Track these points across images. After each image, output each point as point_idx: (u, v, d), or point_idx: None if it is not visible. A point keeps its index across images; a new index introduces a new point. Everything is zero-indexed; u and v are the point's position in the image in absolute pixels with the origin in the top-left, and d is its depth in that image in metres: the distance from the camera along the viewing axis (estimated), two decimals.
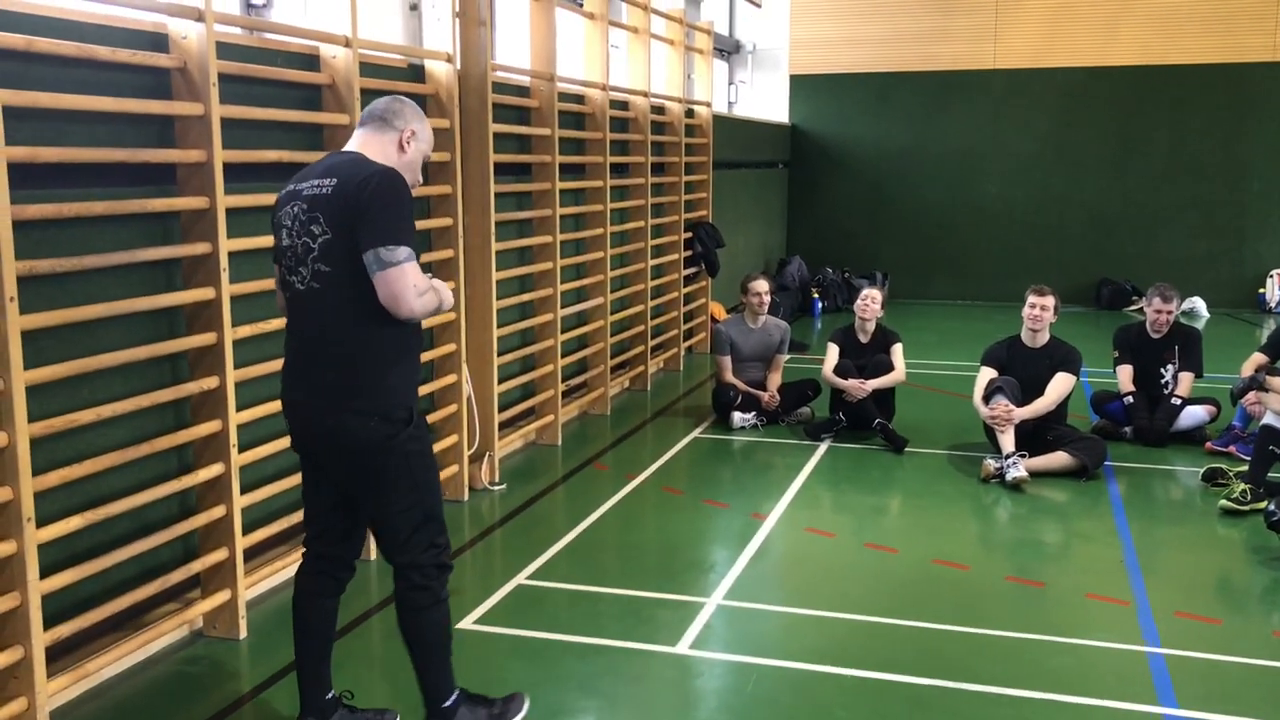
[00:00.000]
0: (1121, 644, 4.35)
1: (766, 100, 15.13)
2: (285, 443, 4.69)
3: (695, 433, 7.65)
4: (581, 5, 8.07)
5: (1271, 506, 5.22)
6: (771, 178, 14.24)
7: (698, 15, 12.89)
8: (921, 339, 10.93)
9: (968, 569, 5.15)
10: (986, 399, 6.78)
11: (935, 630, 4.47)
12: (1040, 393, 6.75)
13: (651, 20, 8.85)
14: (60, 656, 3.77)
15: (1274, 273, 13.31)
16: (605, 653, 4.25)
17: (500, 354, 6.55)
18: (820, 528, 5.77)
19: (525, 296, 7.01)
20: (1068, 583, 5.03)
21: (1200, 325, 11.95)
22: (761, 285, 7.92)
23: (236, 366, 4.32)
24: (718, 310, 11.08)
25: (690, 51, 10.38)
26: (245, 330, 4.40)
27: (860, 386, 7.29)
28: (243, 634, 4.37)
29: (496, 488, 6.35)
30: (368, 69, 5.19)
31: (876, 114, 14.53)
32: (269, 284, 4.59)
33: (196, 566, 4.25)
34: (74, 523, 3.65)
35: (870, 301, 7.58)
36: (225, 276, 4.19)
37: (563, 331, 7.46)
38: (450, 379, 5.97)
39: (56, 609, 3.67)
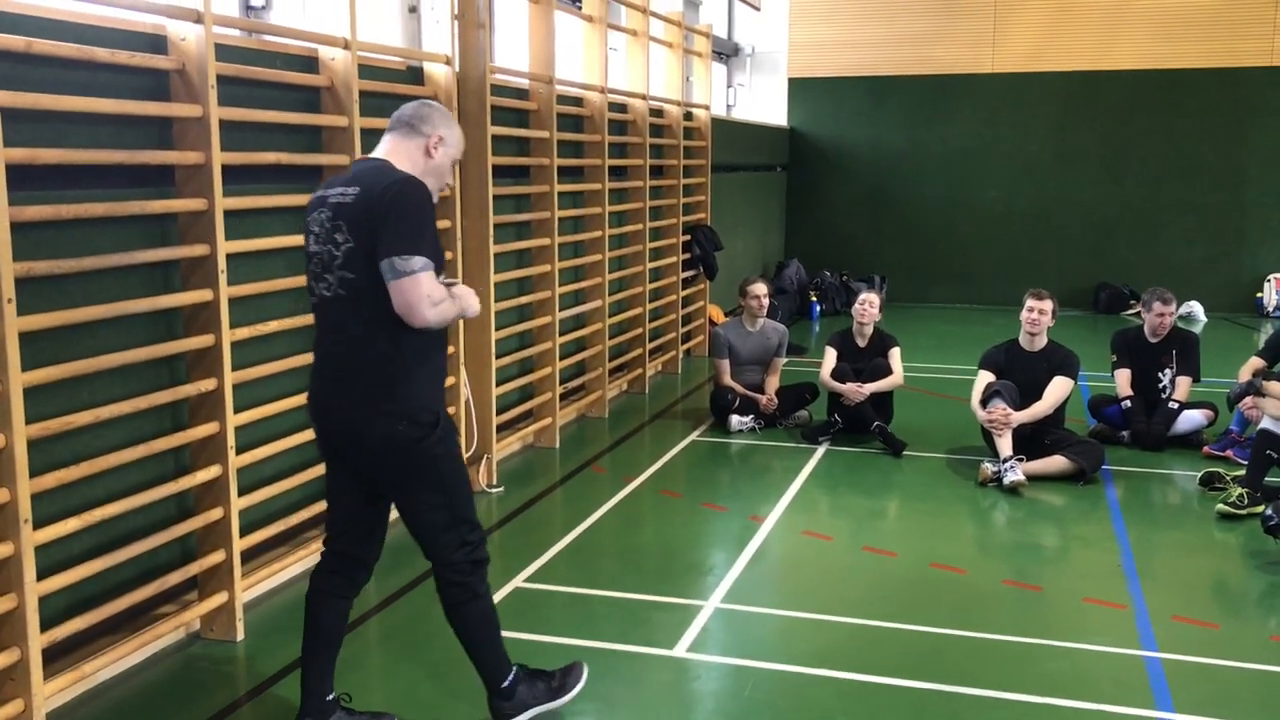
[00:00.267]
0: (1119, 648, 4.35)
1: (765, 103, 15.15)
2: (282, 445, 4.71)
3: (693, 435, 7.65)
4: (580, 8, 8.08)
5: (1268, 511, 5.22)
6: (770, 181, 14.25)
7: (696, 18, 12.90)
8: (919, 342, 10.93)
9: (965, 573, 5.15)
10: (984, 403, 6.78)
11: (933, 634, 4.47)
12: (1038, 396, 6.76)
13: (650, 23, 8.86)
14: (57, 658, 3.77)
15: (1271, 277, 13.32)
16: (602, 655, 4.24)
17: (498, 356, 6.55)
18: (818, 531, 5.77)
19: (523, 299, 7.01)
20: (1065, 587, 5.04)
21: (1198, 329, 11.96)
22: (760, 288, 7.92)
23: (234, 368, 4.32)
24: (716, 313, 11.08)
25: (689, 54, 10.39)
26: (243, 332, 4.40)
27: (858, 390, 7.29)
28: (240, 636, 4.37)
29: (494, 490, 6.35)
30: (366, 71, 5.19)
31: (875, 117, 14.54)
32: (267, 286, 4.60)
33: (194, 568, 4.25)
34: (71, 524, 3.65)
35: (868, 305, 7.58)
36: (223, 278, 4.18)
37: (561, 334, 7.47)
38: (448, 381, 5.96)
39: (53, 611, 3.67)
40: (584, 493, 6.39)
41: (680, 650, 4.30)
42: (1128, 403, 7.36)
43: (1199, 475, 6.49)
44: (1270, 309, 13.23)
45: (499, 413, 6.60)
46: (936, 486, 6.53)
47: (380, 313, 3.17)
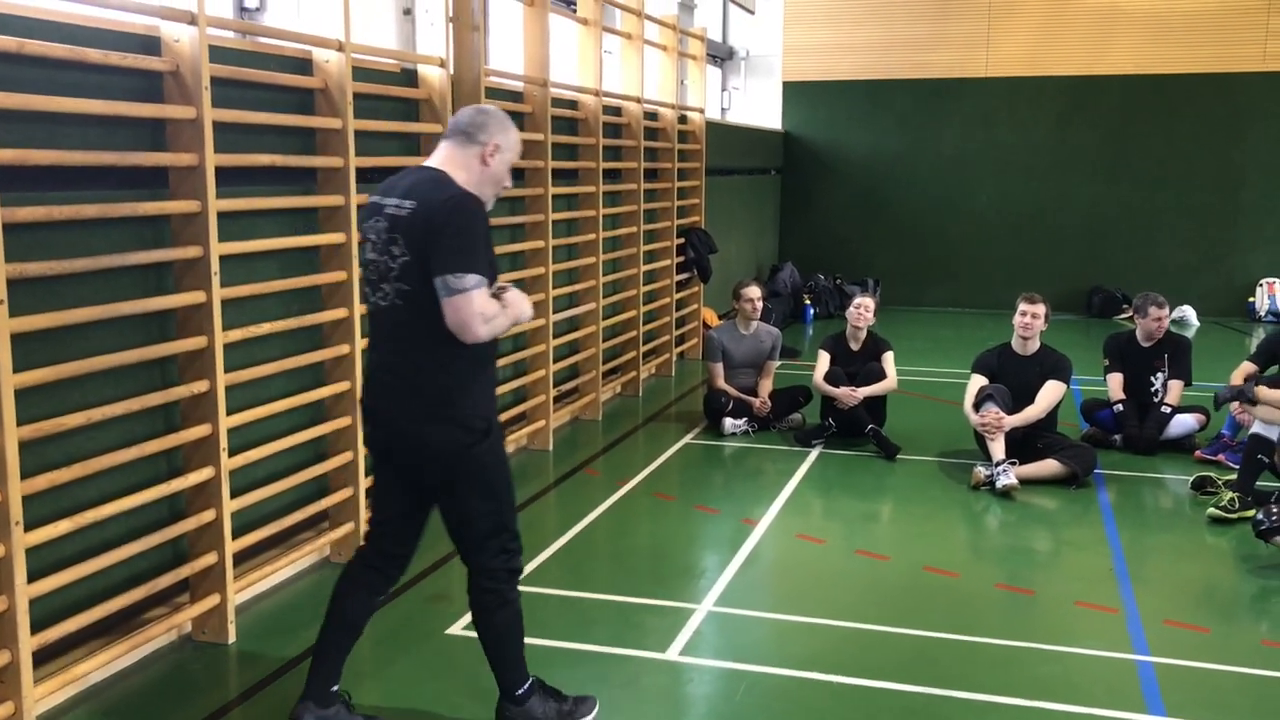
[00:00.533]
0: (1110, 652, 4.36)
1: (759, 107, 15.17)
2: (275, 447, 4.71)
3: (687, 438, 7.65)
4: (575, 11, 8.08)
5: (1259, 515, 5.24)
6: (764, 184, 14.26)
7: (691, 21, 12.92)
8: (913, 346, 10.94)
9: (958, 576, 5.16)
10: (977, 406, 6.79)
11: (925, 637, 4.48)
12: (1031, 400, 6.77)
13: (645, 26, 8.87)
14: (48, 660, 3.76)
15: (1263, 282, 13.37)
16: (595, 659, 4.25)
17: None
18: (811, 534, 5.78)
19: None
20: (1057, 590, 5.05)
21: (1190, 334, 11.99)
22: (754, 291, 7.93)
23: (227, 370, 4.31)
24: (710, 316, 11.08)
25: (684, 58, 10.40)
26: (236, 334, 4.40)
27: (851, 395, 7.30)
28: (232, 639, 4.36)
29: None
30: (360, 73, 5.18)
31: (869, 121, 14.56)
32: (260, 288, 4.60)
33: (186, 571, 4.24)
34: (63, 526, 3.64)
35: (864, 310, 7.59)
36: (216, 280, 4.18)
37: (555, 336, 7.46)
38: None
39: (44, 613, 3.65)
40: (577, 495, 6.39)
41: (673, 653, 4.30)
42: (1120, 407, 7.37)
43: (1191, 479, 6.50)
44: (1262, 314, 13.27)
45: None
46: (929, 490, 6.54)
47: (435, 325, 3.24)
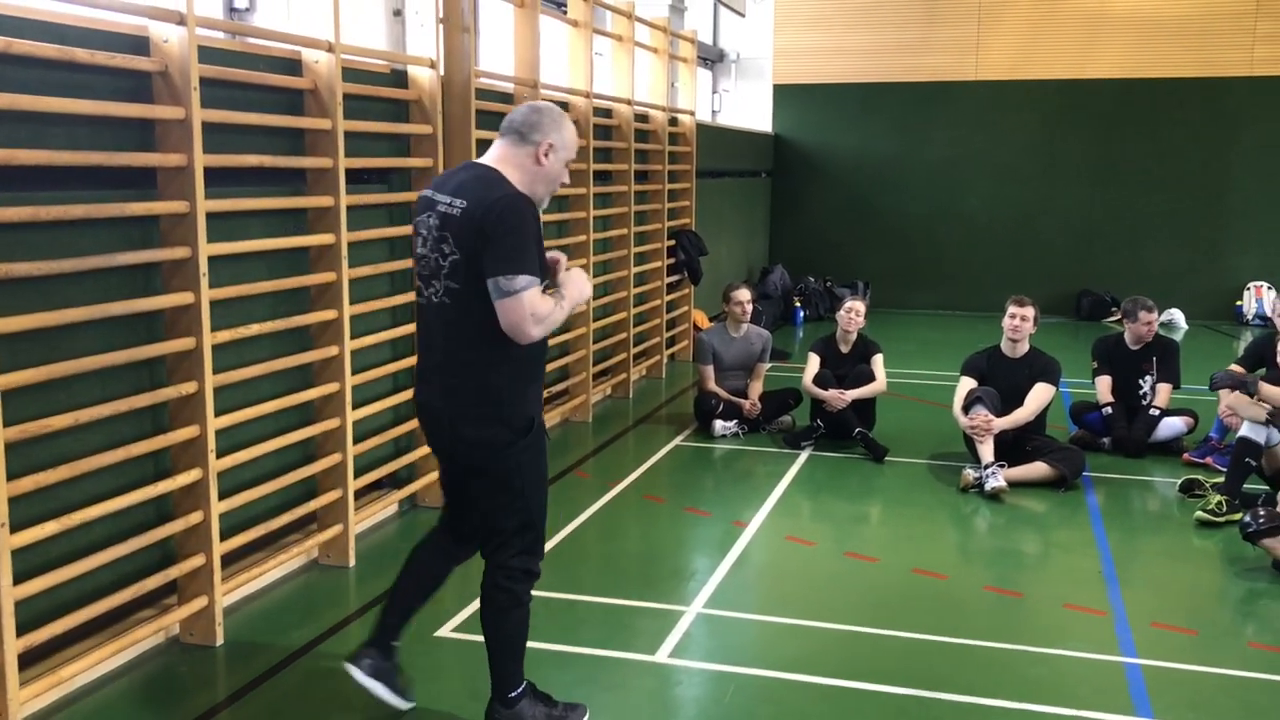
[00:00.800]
0: (1098, 654, 4.37)
1: (750, 109, 15.18)
2: (263, 449, 4.70)
3: (677, 440, 7.65)
4: (566, 12, 8.08)
5: (1246, 518, 5.26)
6: (754, 187, 14.28)
7: (681, 24, 12.93)
8: (902, 348, 10.96)
9: (946, 578, 5.17)
10: (966, 409, 6.80)
11: (914, 639, 4.48)
12: (1020, 403, 6.79)
13: (635, 28, 8.87)
14: (33, 663, 3.74)
15: (1251, 285, 13.42)
16: (584, 661, 4.24)
17: None
18: (801, 536, 5.78)
19: None
20: (1046, 593, 5.06)
21: (1178, 337, 12.03)
22: (744, 294, 7.93)
23: (215, 371, 4.29)
24: (700, 318, 11.09)
25: (674, 60, 10.40)
26: (224, 335, 4.38)
27: (840, 397, 7.31)
28: (219, 640, 4.34)
29: None
30: (350, 74, 5.18)
31: (859, 124, 14.59)
32: (249, 289, 4.58)
33: (174, 572, 4.23)
34: (49, 528, 3.62)
35: (854, 314, 7.60)
36: (205, 281, 4.16)
37: None
38: None
39: (30, 615, 3.63)
40: (567, 497, 6.38)
41: (662, 656, 4.30)
42: (1109, 409, 7.39)
43: (1179, 482, 6.53)
44: (1250, 317, 13.32)
45: None
46: (918, 492, 6.55)
47: (483, 324, 3.26)
